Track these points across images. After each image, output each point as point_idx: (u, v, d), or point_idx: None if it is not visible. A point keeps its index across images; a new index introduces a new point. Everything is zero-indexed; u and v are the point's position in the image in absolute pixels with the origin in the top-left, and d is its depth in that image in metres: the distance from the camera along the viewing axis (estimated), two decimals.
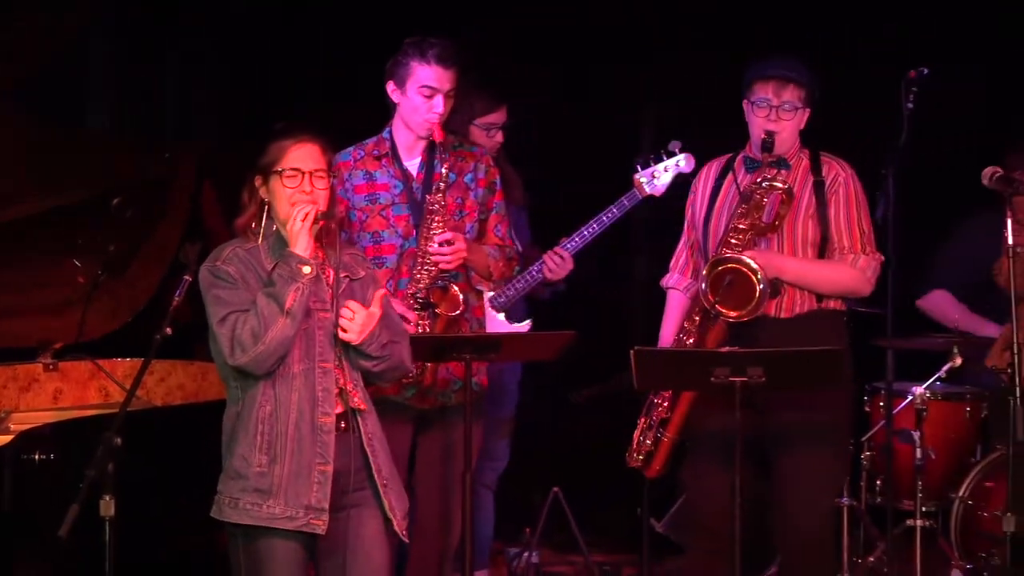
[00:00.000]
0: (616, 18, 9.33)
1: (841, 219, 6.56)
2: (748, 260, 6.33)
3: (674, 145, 7.30)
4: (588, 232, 7.31)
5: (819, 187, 6.55)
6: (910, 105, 7.58)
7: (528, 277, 7.38)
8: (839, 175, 6.60)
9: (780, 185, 6.42)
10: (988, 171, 6.08)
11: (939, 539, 8.22)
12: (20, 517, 5.53)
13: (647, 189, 7.29)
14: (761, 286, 6.32)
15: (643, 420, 6.63)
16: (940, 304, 8.06)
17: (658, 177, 7.25)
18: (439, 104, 6.40)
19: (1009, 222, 5.86)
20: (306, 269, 5.14)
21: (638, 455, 6.62)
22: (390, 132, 6.55)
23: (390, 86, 6.49)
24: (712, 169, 6.76)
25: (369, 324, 5.22)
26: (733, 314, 6.36)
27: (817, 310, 6.56)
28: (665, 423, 6.57)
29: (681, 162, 7.25)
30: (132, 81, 8.54)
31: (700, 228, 6.67)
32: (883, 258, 6.66)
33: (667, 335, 6.70)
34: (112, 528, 5.11)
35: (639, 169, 7.31)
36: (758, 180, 6.43)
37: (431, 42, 6.43)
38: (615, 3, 9.34)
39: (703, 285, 6.38)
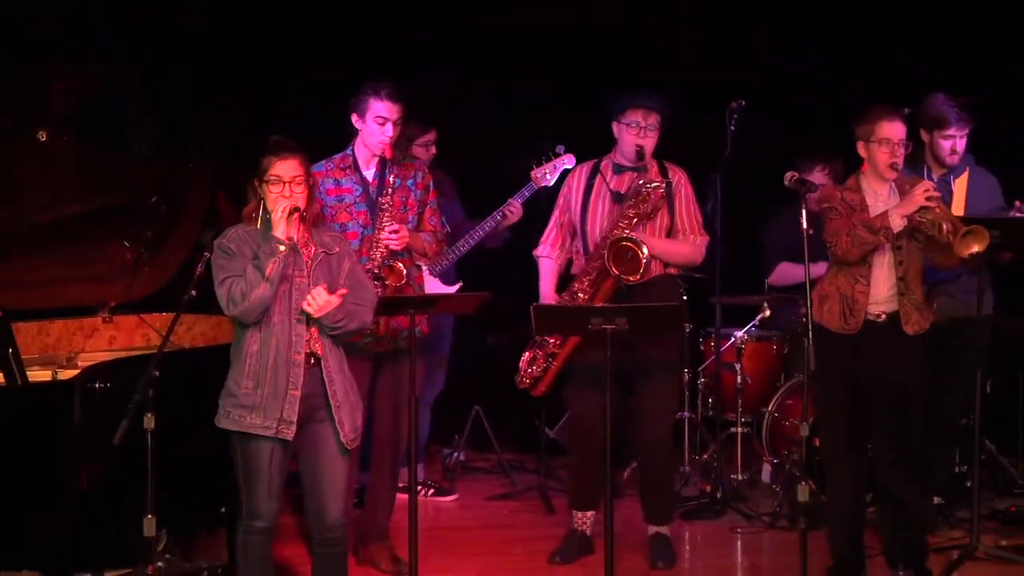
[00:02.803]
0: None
1: (684, 211, 6.71)
2: (640, 241, 6.50)
3: (560, 148, 7.42)
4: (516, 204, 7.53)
5: (668, 187, 6.68)
6: (732, 127, 7.71)
7: (462, 246, 7.56)
8: (681, 178, 6.76)
9: (661, 185, 6.59)
10: (788, 175, 6.10)
11: (754, 442, 8.34)
12: (85, 429, 5.55)
13: (543, 181, 7.42)
14: (646, 260, 6.48)
15: (529, 353, 6.75)
16: (785, 273, 8.07)
17: (550, 173, 7.37)
18: (389, 130, 6.45)
19: (804, 212, 5.92)
20: (281, 248, 5.22)
21: (527, 379, 6.76)
22: (352, 149, 6.57)
23: (354, 117, 6.51)
24: (583, 171, 6.86)
25: (327, 308, 5.30)
26: (633, 279, 6.51)
27: (663, 275, 6.70)
28: (554, 356, 6.69)
29: (566, 160, 7.37)
30: (162, 116, 8.52)
31: (578, 215, 6.77)
32: (709, 238, 6.83)
33: (546, 292, 6.80)
34: (153, 438, 5.19)
35: (535, 167, 7.43)
36: (643, 182, 6.59)
37: (384, 83, 6.46)
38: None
39: (608, 258, 6.52)
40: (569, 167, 7.28)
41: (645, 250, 6.48)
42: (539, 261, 6.91)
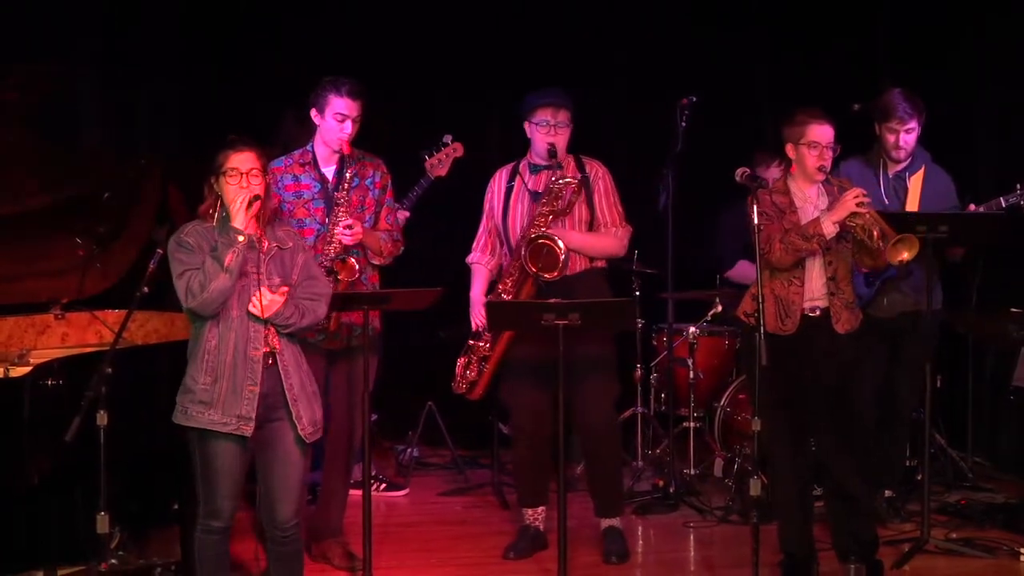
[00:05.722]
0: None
1: (603, 203, 6.72)
2: (556, 237, 6.51)
3: (447, 137, 7.41)
4: (403, 207, 7.43)
5: (585, 181, 6.70)
6: (684, 123, 7.73)
7: None
8: (598, 171, 6.77)
9: (572, 180, 6.59)
10: (739, 171, 6.10)
11: (706, 436, 8.37)
12: (36, 426, 5.51)
13: (438, 171, 7.41)
14: (563, 255, 6.49)
15: (464, 359, 6.78)
16: (744, 271, 8.07)
17: (442, 162, 7.37)
18: (348, 126, 6.42)
19: (755, 208, 5.93)
20: (240, 238, 5.21)
21: (463, 384, 6.78)
22: (312, 146, 6.55)
23: (313, 112, 6.48)
24: (503, 174, 6.87)
25: (271, 308, 5.26)
26: (550, 276, 6.52)
27: (589, 269, 6.71)
28: (487, 359, 6.72)
29: (455, 150, 7.40)
30: (115, 109, 8.48)
31: (499, 218, 6.79)
32: (632, 229, 6.81)
33: (475, 297, 6.82)
34: (105, 434, 5.17)
35: (427, 158, 7.41)
36: (554, 179, 6.60)
37: (343, 80, 6.43)
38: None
39: (525, 256, 6.53)
40: (459, 156, 7.37)
41: (562, 245, 6.51)
42: (471, 267, 6.93)
